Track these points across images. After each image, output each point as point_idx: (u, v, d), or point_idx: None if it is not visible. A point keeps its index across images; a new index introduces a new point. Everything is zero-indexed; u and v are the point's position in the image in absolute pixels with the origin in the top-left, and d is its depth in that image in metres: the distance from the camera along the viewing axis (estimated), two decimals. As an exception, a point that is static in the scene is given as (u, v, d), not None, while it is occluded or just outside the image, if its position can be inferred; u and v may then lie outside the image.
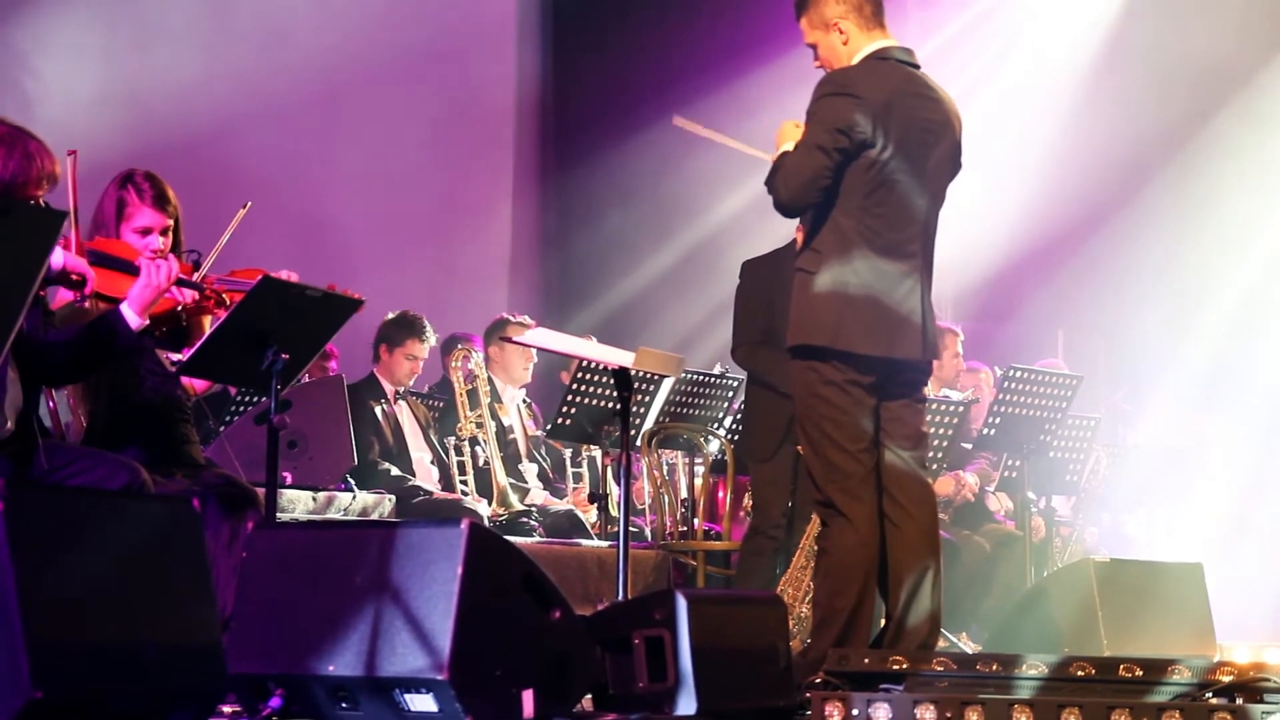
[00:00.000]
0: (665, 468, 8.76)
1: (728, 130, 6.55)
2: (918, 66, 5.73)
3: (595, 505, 8.68)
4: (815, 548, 6.16)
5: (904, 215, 5.58)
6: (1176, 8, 12.21)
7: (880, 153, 5.51)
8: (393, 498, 7.97)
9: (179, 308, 5.41)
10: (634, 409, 7.79)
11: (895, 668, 4.76)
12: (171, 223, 5.58)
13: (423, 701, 4.26)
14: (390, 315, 9.02)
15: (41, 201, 4.92)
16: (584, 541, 8.32)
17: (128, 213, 5.53)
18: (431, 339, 9.03)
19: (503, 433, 9.11)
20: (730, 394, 8.58)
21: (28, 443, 4.98)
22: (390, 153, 11.50)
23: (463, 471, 8.84)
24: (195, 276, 5.47)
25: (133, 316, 5.14)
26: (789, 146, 5.64)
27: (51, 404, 5.60)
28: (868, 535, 5.57)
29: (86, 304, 5.22)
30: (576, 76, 13.22)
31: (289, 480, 7.50)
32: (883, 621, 5.71)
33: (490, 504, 8.65)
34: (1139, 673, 4.54)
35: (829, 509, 5.62)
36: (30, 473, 4.92)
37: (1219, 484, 11.05)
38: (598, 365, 7.99)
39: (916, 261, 5.61)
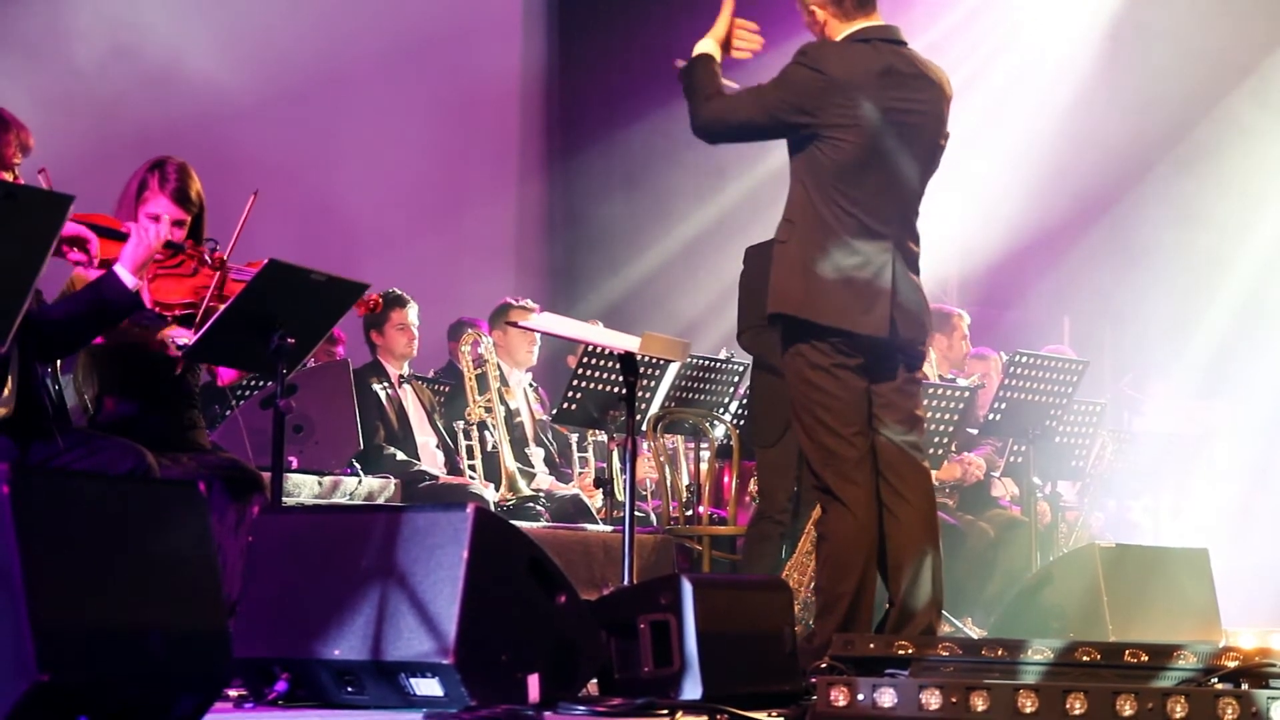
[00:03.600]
0: (670, 452, 8.76)
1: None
2: (903, 43, 5.71)
3: (601, 490, 8.68)
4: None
5: (879, 196, 5.57)
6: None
7: (850, 135, 5.50)
8: (397, 482, 7.97)
9: (197, 294, 5.44)
10: (640, 394, 7.79)
11: (900, 652, 4.76)
12: (188, 218, 5.58)
13: (428, 685, 4.27)
14: None
15: (17, 170, 4.94)
16: (589, 526, 8.32)
17: (145, 196, 5.54)
18: (413, 303, 9.01)
19: (509, 417, 9.11)
20: (736, 379, 8.58)
21: (32, 422, 4.98)
22: (395, 138, 11.49)
23: (471, 456, 8.85)
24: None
25: (127, 276, 5.15)
26: (706, 44, 5.76)
27: (56, 387, 5.61)
28: (865, 519, 5.57)
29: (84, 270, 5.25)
30: (582, 61, 13.21)
31: (294, 465, 7.50)
32: (887, 606, 5.72)
33: (498, 489, 8.65)
34: (1144, 658, 4.53)
35: (825, 494, 5.62)
36: (40, 453, 4.92)
37: (1224, 469, 11.07)
38: (603, 350, 7.98)
39: (890, 242, 5.59)
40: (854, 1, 5.64)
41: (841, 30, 5.63)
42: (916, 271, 5.68)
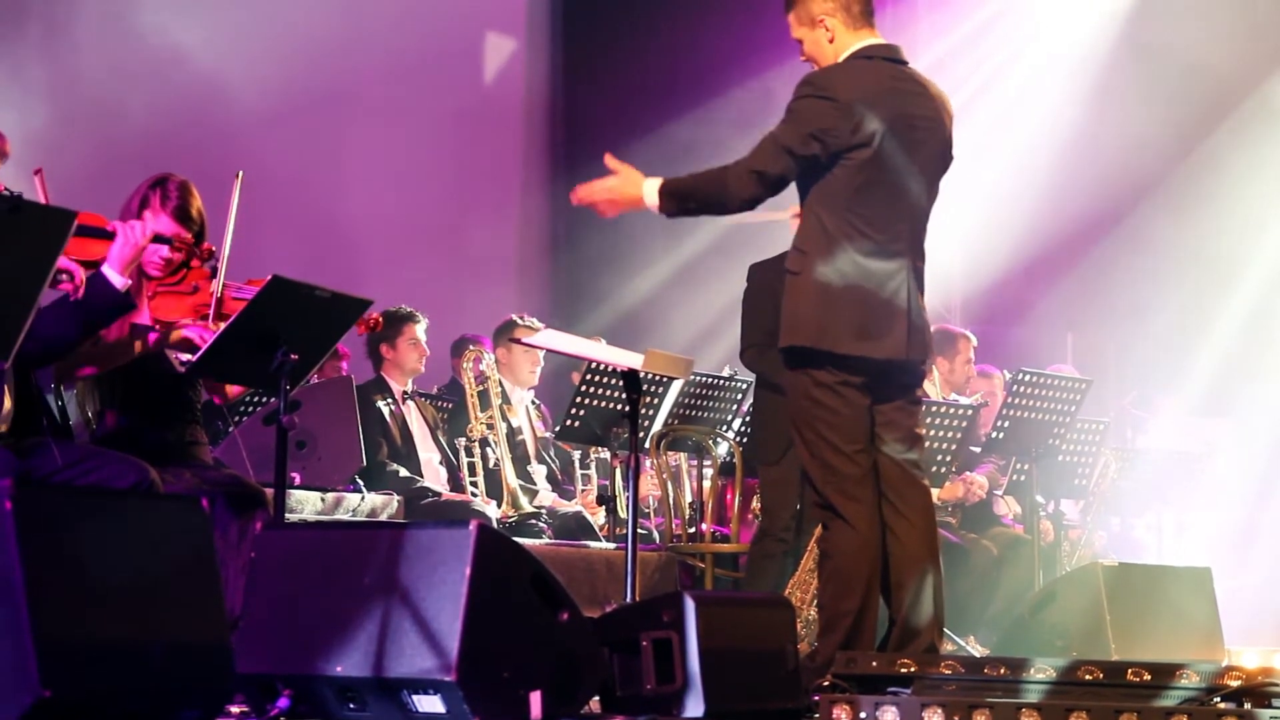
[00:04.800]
0: (672, 470, 8.75)
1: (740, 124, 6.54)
2: (905, 62, 5.71)
3: (603, 507, 8.67)
4: (823, 550, 6.15)
5: (890, 215, 5.56)
6: (1186, 12, 12.20)
7: (862, 153, 5.49)
8: (400, 498, 7.97)
9: (198, 311, 5.46)
10: (643, 411, 7.79)
11: (903, 671, 4.76)
12: (189, 236, 5.60)
13: (430, 702, 4.27)
14: None
15: None
16: (592, 543, 8.31)
17: (145, 214, 5.55)
18: (424, 320, 9.03)
19: (512, 434, 9.11)
20: (739, 396, 8.57)
21: (30, 435, 4.97)
22: (400, 152, 11.50)
23: (473, 473, 8.84)
24: (213, 286, 5.52)
25: (115, 276, 5.16)
26: (654, 183, 5.58)
27: (60, 402, 5.62)
28: (868, 536, 5.56)
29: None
30: (586, 76, 13.23)
31: (297, 481, 7.50)
32: (889, 625, 5.71)
33: (500, 505, 8.65)
34: (1147, 677, 4.54)
35: (828, 511, 5.61)
36: (43, 467, 4.92)
37: (1228, 488, 11.04)
38: (607, 367, 7.98)
39: (904, 261, 5.58)
40: (862, 8, 5.64)
41: (848, 43, 5.62)
42: (923, 289, 5.68)
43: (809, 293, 5.54)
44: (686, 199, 5.61)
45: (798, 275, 5.59)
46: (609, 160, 5.67)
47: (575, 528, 8.77)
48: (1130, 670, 4.57)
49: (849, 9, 5.63)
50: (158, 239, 5.38)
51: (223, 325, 5.41)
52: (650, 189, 5.58)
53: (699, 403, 8.46)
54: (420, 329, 8.99)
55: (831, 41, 5.63)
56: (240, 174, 5.54)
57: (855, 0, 5.63)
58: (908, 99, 5.61)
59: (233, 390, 5.97)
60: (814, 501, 5.78)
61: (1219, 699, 4.40)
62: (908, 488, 5.65)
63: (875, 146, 5.49)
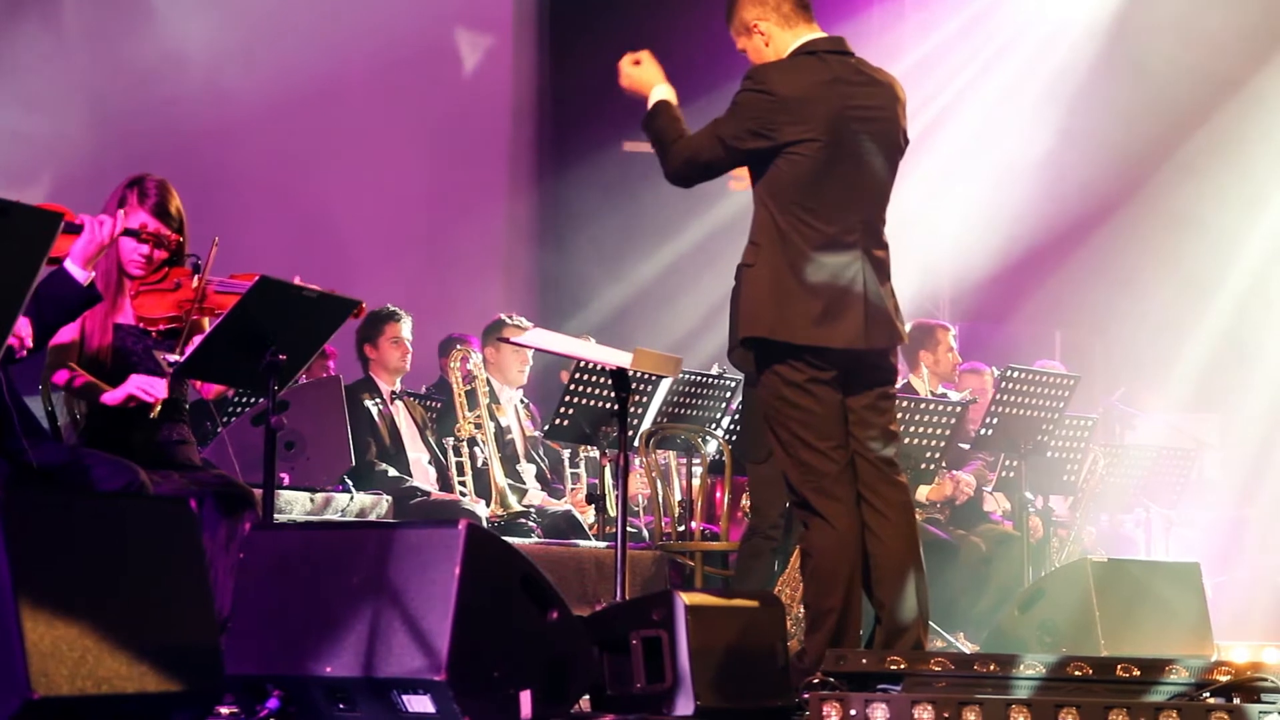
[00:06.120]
0: (662, 468, 8.75)
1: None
2: (850, 54, 5.72)
3: (593, 506, 8.67)
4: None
5: (841, 206, 5.56)
6: (1174, 10, 12.22)
7: (805, 148, 5.51)
8: (389, 498, 7.96)
9: (180, 308, 5.46)
10: (632, 409, 7.78)
11: (893, 668, 4.76)
12: (157, 226, 5.59)
13: (420, 702, 4.27)
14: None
15: None
16: (582, 542, 8.31)
17: (125, 211, 5.54)
18: (407, 318, 9.03)
19: (500, 433, 9.11)
20: (728, 394, 8.57)
21: (5, 436, 4.95)
22: (386, 152, 11.49)
23: (461, 472, 8.84)
24: (194, 282, 5.52)
25: (77, 270, 5.15)
26: (661, 91, 5.75)
27: (49, 407, 5.61)
28: (847, 534, 5.55)
29: None
30: (573, 75, 13.21)
31: (286, 481, 7.49)
32: (875, 624, 5.70)
33: (489, 505, 8.65)
34: (1136, 673, 4.54)
35: (805, 509, 5.61)
36: (23, 460, 4.90)
37: (1216, 484, 11.07)
38: (595, 366, 7.98)
39: (858, 251, 5.58)
40: (794, 7, 5.66)
41: (787, 42, 5.65)
42: (887, 276, 5.67)
43: (763, 285, 5.57)
44: (653, 136, 5.78)
45: (752, 267, 5.62)
46: (645, 55, 5.89)
47: (565, 526, 8.77)
48: (1120, 666, 4.57)
49: (779, 9, 5.66)
50: (127, 233, 5.38)
51: (208, 322, 5.42)
52: (654, 97, 5.78)
53: (688, 401, 8.46)
54: (404, 327, 8.97)
55: (768, 45, 5.68)
56: (216, 239, 5.54)
57: (785, 1, 5.66)
58: (852, 90, 5.60)
59: (208, 390, 5.94)
60: (792, 501, 5.79)
61: (1208, 694, 4.40)
62: (884, 486, 5.65)
63: (820, 141, 5.50)
